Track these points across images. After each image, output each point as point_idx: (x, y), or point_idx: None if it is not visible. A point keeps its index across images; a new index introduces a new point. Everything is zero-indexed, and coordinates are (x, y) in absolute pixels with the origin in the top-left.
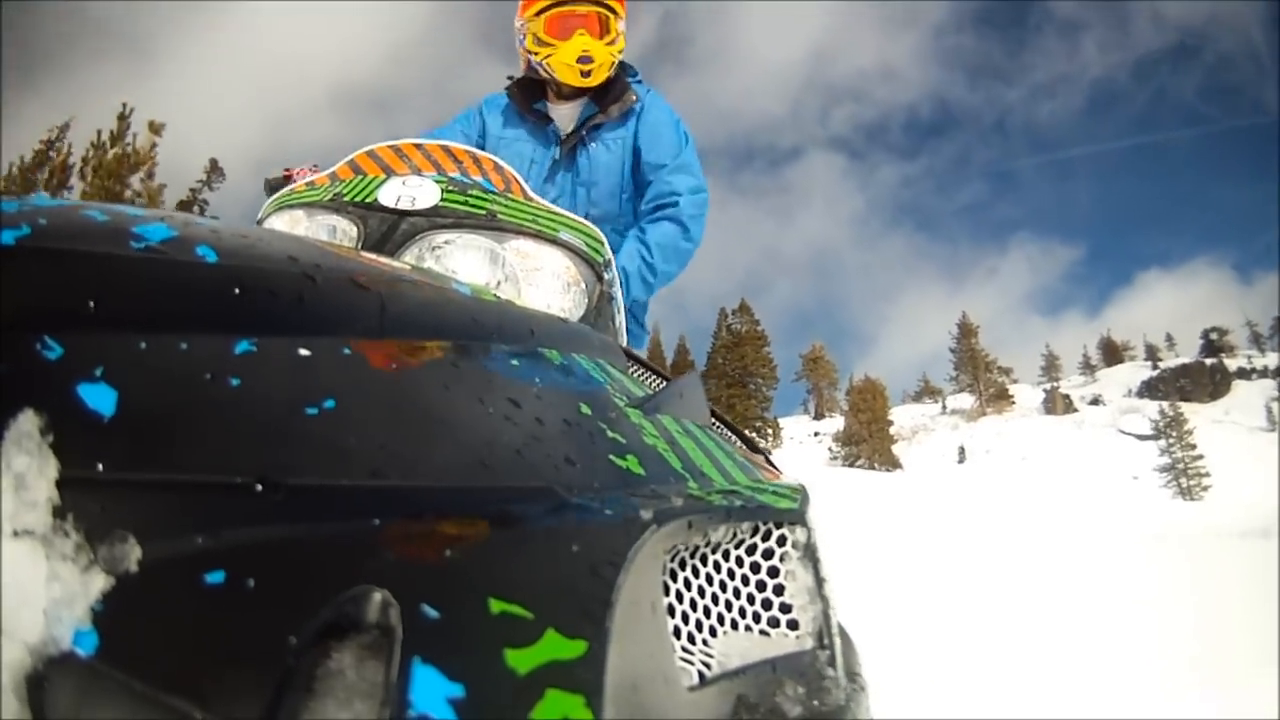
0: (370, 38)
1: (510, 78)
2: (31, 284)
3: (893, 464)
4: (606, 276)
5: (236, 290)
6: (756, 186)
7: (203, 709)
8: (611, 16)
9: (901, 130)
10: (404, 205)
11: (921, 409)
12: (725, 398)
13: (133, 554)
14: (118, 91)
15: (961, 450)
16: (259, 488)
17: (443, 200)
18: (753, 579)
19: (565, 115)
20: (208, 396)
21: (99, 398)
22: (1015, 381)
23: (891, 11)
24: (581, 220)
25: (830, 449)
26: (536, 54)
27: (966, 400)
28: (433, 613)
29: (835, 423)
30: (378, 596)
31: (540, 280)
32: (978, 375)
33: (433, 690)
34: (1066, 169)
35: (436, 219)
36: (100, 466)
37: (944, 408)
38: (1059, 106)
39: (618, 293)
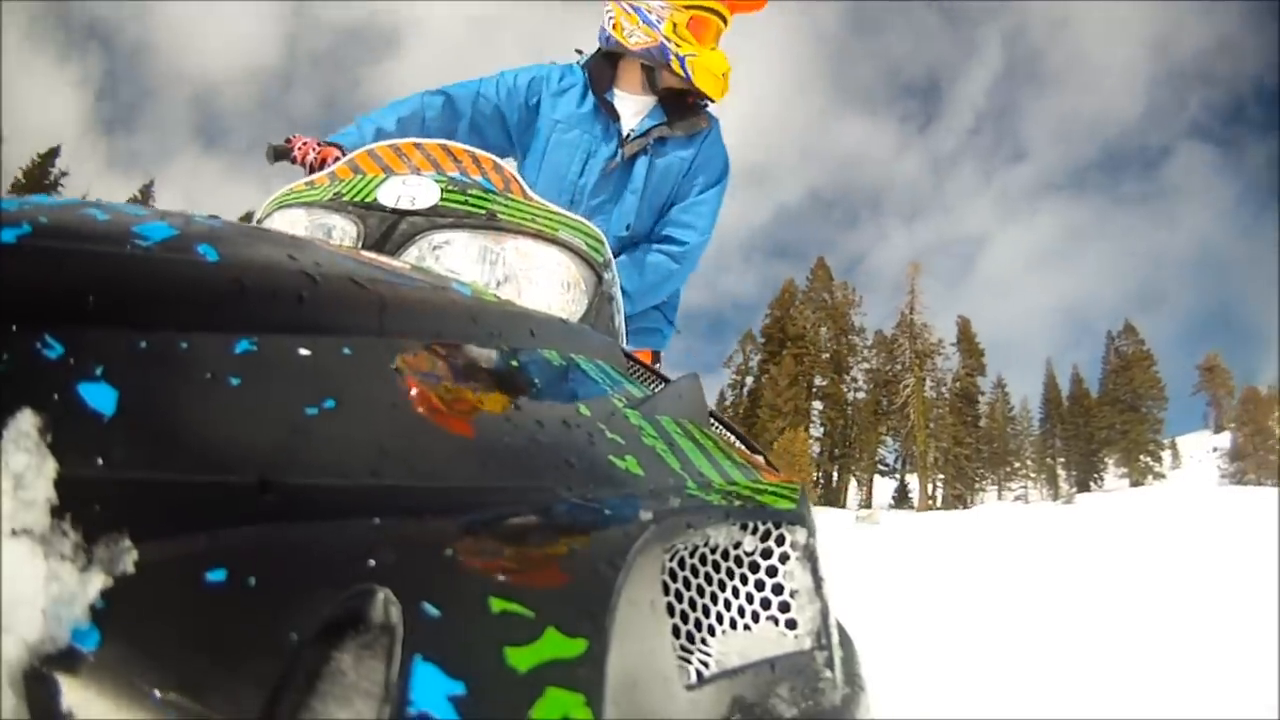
0: (732, 110)
1: (579, 51)
2: (32, 282)
3: None
4: (606, 277)
5: (237, 289)
6: (1136, 194)
7: (203, 708)
8: (724, 29)
9: (1256, 103)
10: (404, 205)
11: None
12: (1119, 424)
13: (132, 553)
14: None
15: None
16: (259, 488)
17: (442, 200)
18: (751, 579)
19: (630, 113)
20: (208, 396)
21: (99, 397)
22: None
23: None
24: (581, 220)
25: (1218, 466)
26: (675, 45)
27: None
28: (433, 611)
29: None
30: (379, 595)
31: (540, 280)
32: None
33: (433, 688)
34: None
35: (436, 218)
36: (100, 466)
37: None
38: None
39: (617, 293)
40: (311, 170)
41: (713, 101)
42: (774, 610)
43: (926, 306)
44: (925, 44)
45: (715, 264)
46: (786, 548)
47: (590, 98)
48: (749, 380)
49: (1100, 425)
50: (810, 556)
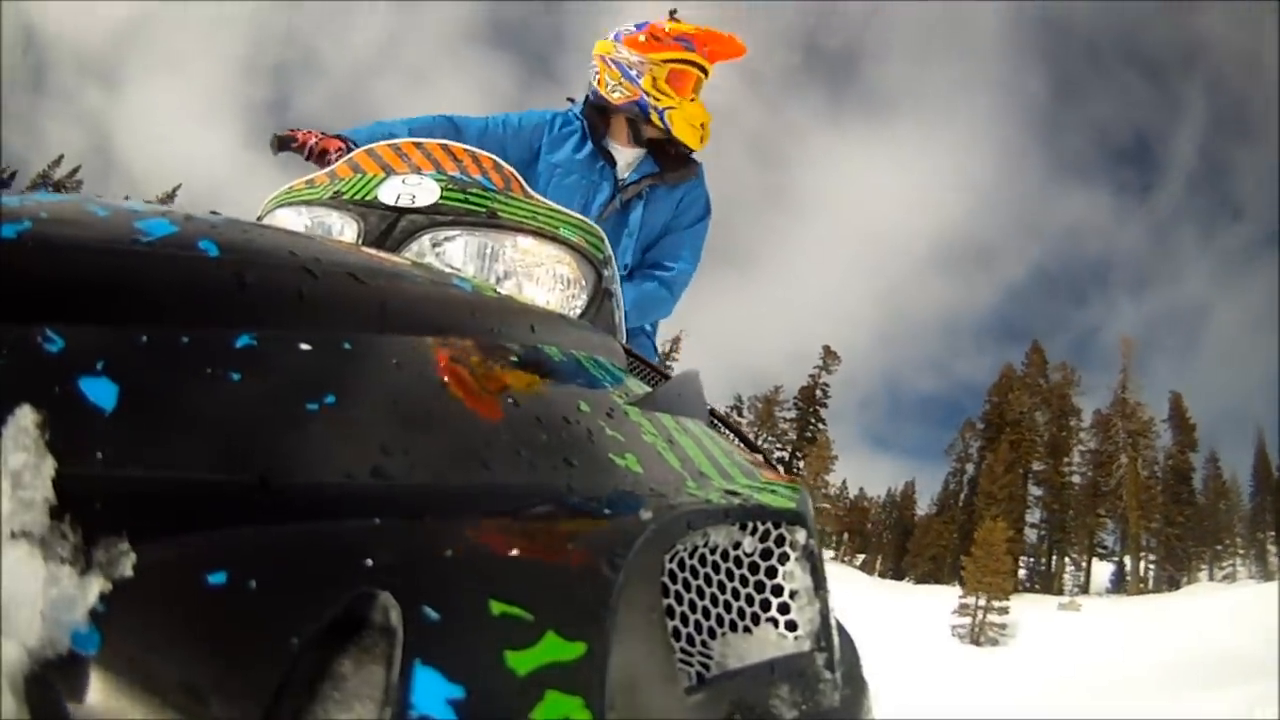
0: (955, 194)
1: (570, 100)
2: (33, 277)
3: None
4: (606, 273)
5: (237, 285)
6: None
7: (203, 710)
8: (704, 80)
9: None
10: (404, 203)
11: None
12: None
13: (131, 556)
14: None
15: None
16: (260, 487)
17: (442, 198)
18: (751, 579)
19: (624, 163)
20: (208, 391)
21: (100, 392)
22: None
23: None
24: (581, 217)
25: None
26: (653, 99)
27: None
28: (433, 614)
29: None
30: (379, 597)
31: (540, 277)
32: None
33: (433, 691)
34: None
35: (436, 217)
36: (100, 463)
37: None
38: None
39: (617, 289)
40: (310, 157)
41: (691, 152)
42: (774, 611)
43: (1146, 382)
44: (1130, 104)
45: (947, 348)
46: (786, 548)
47: (588, 145)
48: (969, 468)
49: None
50: (810, 557)
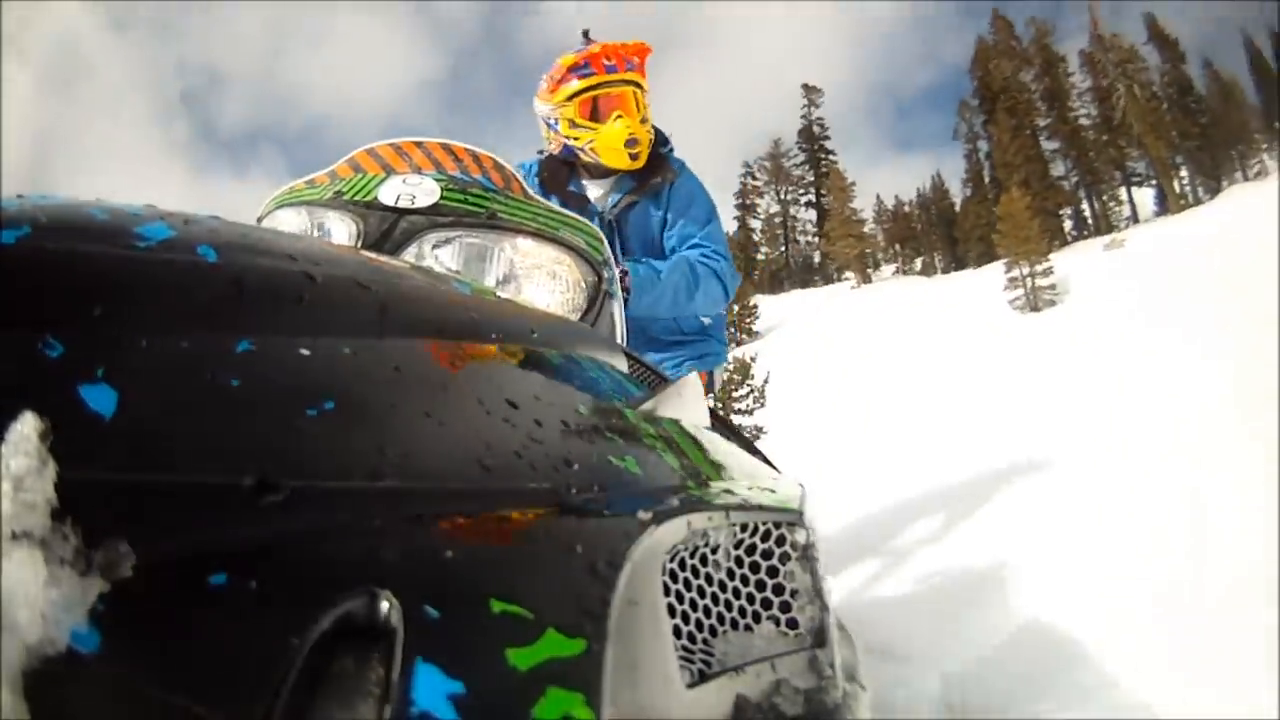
0: None
1: (540, 152)
2: (32, 283)
3: None
4: (606, 275)
5: (237, 289)
6: None
7: (203, 710)
8: (639, 92)
9: None
10: (404, 203)
11: None
12: None
13: (131, 557)
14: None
15: None
16: (259, 488)
17: (442, 198)
18: (751, 579)
19: (600, 193)
20: (208, 396)
21: (99, 398)
22: None
23: None
24: (581, 219)
25: None
26: (577, 139)
27: None
28: (433, 612)
29: None
30: (380, 597)
31: (540, 279)
32: None
33: (434, 689)
34: None
35: (436, 217)
36: (100, 468)
37: None
38: None
39: (617, 290)
40: None
41: (671, 150)
42: (774, 610)
43: (1122, 8)
44: None
45: (921, 39)
46: (786, 548)
47: (553, 198)
48: (982, 145)
49: None
50: (809, 556)
